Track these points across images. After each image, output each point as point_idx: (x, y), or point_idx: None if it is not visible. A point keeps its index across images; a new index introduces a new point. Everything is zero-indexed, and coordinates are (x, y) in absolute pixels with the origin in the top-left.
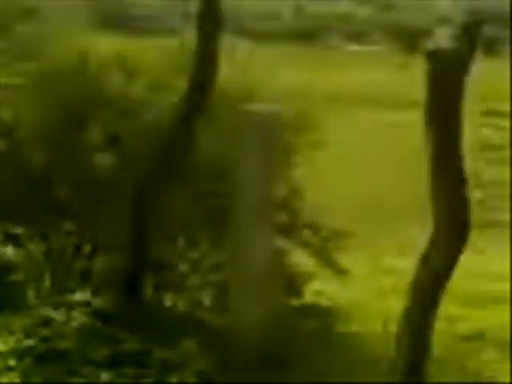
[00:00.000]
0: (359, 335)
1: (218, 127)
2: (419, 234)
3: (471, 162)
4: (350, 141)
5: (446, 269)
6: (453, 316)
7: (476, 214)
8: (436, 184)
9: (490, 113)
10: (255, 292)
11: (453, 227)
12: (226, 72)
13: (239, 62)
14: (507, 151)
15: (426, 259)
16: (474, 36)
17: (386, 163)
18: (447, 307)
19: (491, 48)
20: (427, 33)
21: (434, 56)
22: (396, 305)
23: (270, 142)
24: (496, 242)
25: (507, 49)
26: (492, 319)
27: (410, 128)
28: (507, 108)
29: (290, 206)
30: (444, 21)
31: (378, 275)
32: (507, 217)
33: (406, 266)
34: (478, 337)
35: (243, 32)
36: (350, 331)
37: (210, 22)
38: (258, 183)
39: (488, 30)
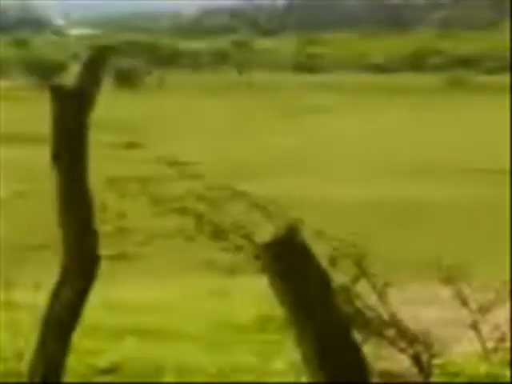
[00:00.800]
0: None
1: None
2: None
3: (100, 194)
4: None
5: (76, 302)
6: (88, 349)
7: (106, 247)
8: (63, 219)
9: (123, 145)
10: None
11: (81, 261)
12: None
13: None
14: (135, 184)
15: (56, 293)
16: (98, 70)
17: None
18: (82, 340)
19: (127, 79)
20: (61, 68)
21: (56, 91)
22: (30, 341)
23: None
24: (128, 273)
25: (147, 80)
26: (128, 352)
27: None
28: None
29: None
30: (75, 57)
31: (10, 310)
32: (135, 249)
33: (41, 301)
34: (114, 369)
35: None
36: None
37: None
38: None
39: (125, 62)
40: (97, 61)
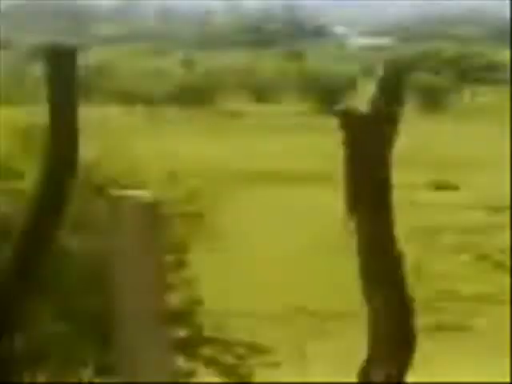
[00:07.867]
0: None
1: (88, 220)
2: None
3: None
4: (254, 226)
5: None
6: None
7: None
8: (369, 283)
9: (431, 186)
10: None
11: (390, 340)
12: (95, 148)
13: (112, 135)
14: (450, 236)
15: (365, 373)
16: (397, 90)
17: (299, 250)
18: None
19: (431, 101)
20: (348, 87)
21: (347, 118)
22: None
23: (150, 237)
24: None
25: (457, 100)
26: None
27: (325, 206)
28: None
29: (188, 317)
30: (367, 72)
31: None
32: (459, 318)
33: None
34: None
35: (120, 95)
36: None
37: (62, 89)
38: (142, 290)
39: (427, 79)
40: (395, 78)
